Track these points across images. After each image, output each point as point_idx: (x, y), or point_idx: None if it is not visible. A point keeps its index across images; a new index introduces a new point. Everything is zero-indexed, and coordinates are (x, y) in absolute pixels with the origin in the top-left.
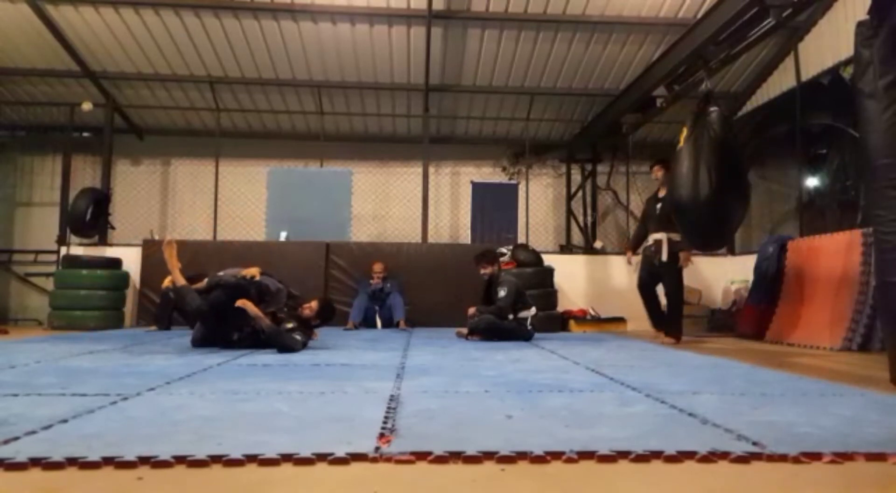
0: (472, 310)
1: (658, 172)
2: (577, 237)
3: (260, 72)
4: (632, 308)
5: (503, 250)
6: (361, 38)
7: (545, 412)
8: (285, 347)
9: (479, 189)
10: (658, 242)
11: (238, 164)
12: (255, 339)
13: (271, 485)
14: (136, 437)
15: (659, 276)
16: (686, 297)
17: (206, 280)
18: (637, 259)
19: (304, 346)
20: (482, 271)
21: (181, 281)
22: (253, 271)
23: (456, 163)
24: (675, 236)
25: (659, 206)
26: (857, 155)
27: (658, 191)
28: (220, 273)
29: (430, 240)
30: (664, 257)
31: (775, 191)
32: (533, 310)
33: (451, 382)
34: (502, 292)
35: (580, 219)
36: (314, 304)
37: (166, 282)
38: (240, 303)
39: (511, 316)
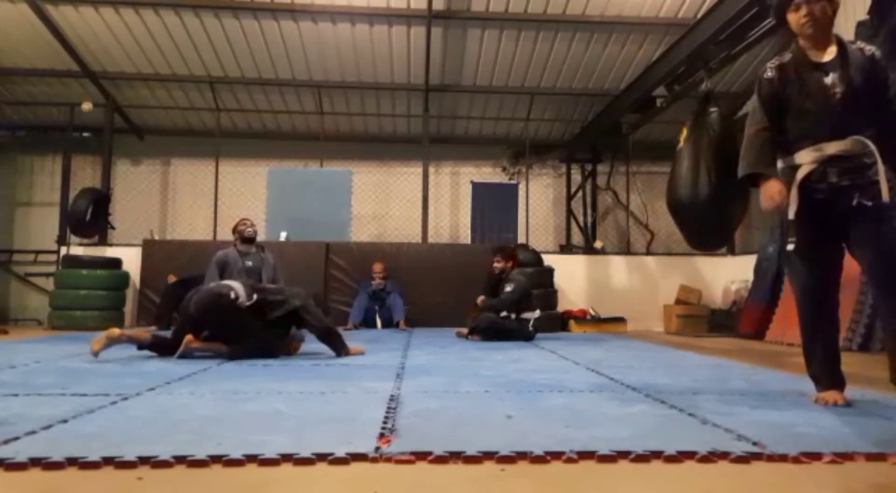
0: (480, 298)
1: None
2: (577, 237)
3: (260, 72)
4: (632, 308)
5: None
6: (361, 38)
7: (545, 412)
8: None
9: (479, 189)
10: (850, 162)
11: (238, 164)
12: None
13: (271, 485)
14: (136, 437)
15: (861, 242)
16: (686, 297)
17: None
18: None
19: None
20: (496, 264)
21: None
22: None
23: (456, 163)
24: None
25: (831, 79)
26: None
27: (806, 52)
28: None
29: (430, 240)
30: (885, 190)
31: None
32: (537, 312)
33: (451, 382)
34: (509, 288)
35: (580, 219)
36: None
37: (171, 277)
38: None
39: (513, 316)
